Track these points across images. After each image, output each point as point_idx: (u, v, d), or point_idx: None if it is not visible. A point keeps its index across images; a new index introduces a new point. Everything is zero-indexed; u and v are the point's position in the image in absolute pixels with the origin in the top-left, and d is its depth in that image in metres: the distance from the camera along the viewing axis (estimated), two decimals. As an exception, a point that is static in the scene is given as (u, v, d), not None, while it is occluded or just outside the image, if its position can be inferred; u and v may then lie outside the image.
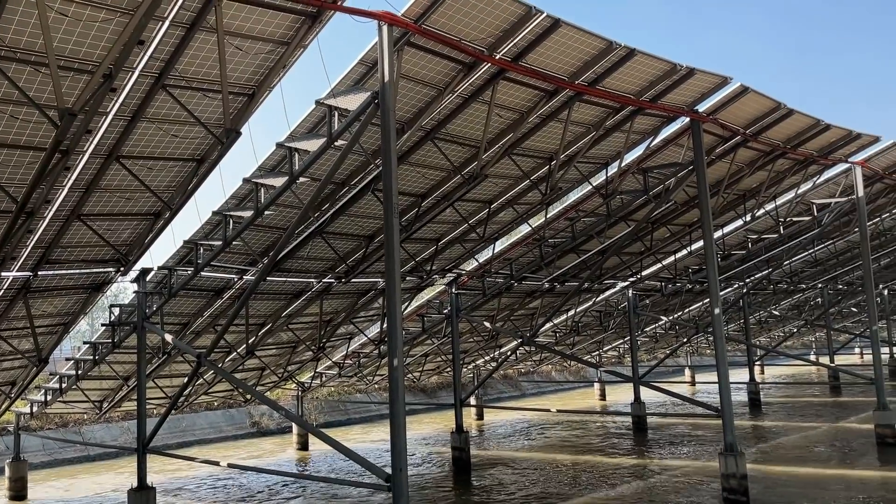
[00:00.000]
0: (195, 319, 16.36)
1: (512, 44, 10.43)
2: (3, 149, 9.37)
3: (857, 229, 21.17)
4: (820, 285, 33.09)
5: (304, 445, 24.06)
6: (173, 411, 23.55)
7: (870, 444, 19.14)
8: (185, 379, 13.99)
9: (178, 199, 11.51)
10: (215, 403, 27.35)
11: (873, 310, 19.59)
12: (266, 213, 12.58)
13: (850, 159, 18.42)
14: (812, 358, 48.83)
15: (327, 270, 15.98)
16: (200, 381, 20.33)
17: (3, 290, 12.90)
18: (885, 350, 42.64)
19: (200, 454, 22.85)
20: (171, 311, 15.49)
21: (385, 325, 20.20)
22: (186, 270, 13.87)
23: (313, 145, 10.57)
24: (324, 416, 29.73)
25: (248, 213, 12.03)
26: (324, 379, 24.91)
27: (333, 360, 22.98)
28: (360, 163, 12.51)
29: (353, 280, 16.36)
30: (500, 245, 18.82)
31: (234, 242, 12.74)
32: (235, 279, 15.06)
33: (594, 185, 15.77)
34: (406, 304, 19.84)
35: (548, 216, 16.92)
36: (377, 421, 30.66)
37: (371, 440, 25.52)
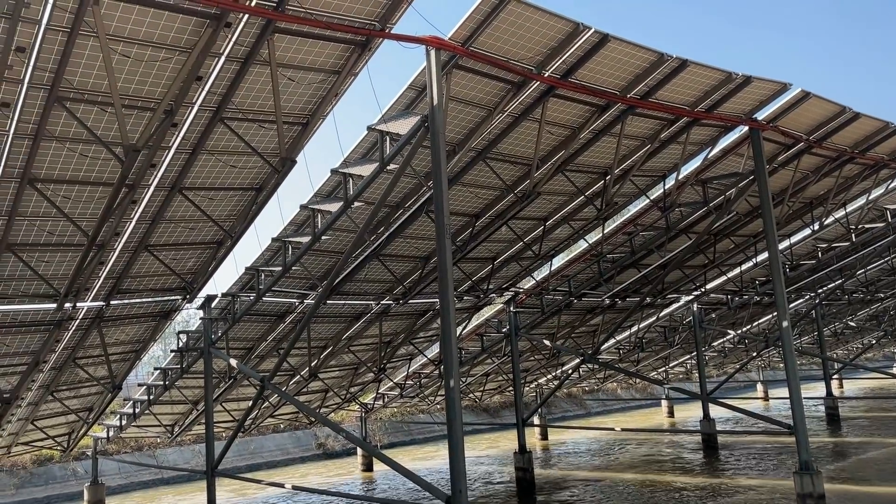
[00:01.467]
0: (259, 344, 16.74)
1: (561, 61, 10.42)
2: (73, 185, 9.85)
3: (935, 234, 20.22)
4: (899, 294, 31.59)
5: (368, 467, 24.20)
6: (241, 434, 24.09)
7: (959, 462, 18.07)
8: (251, 402, 14.31)
9: (238, 228, 11.85)
10: (282, 426, 27.81)
11: (957, 319, 18.55)
12: (323, 237, 12.86)
13: (924, 161, 17.62)
14: (894, 370, 46.57)
15: (385, 292, 16.14)
16: (266, 404, 20.74)
17: (78, 320, 13.50)
18: (975, 361, 40.36)
19: (268, 476, 23.24)
20: (236, 336, 15.90)
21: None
22: (249, 296, 14.24)
23: (366, 170, 10.75)
24: (387, 437, 29.86)
25: (306, 239, 12.30)
26: (386, 400, 25.06)
27: (395, 381, 23.11)
28: (414, 185, 12.65)
29: (411, 301, 16.48)
30: (558, 262, 18.70)
31: (293, 268, 13.04)
32: (296, 303, 15.36)
33: (651, 198, 15.51)
34: (463, 323, 19.86)
35: (605, 231, 16.71)
36: (440, 441, 30.61)
37: (434, 461, 25.48)
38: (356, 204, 11.95)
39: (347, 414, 29.46)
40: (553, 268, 18.50)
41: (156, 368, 17.79)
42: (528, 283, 19.46)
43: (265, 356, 17.37)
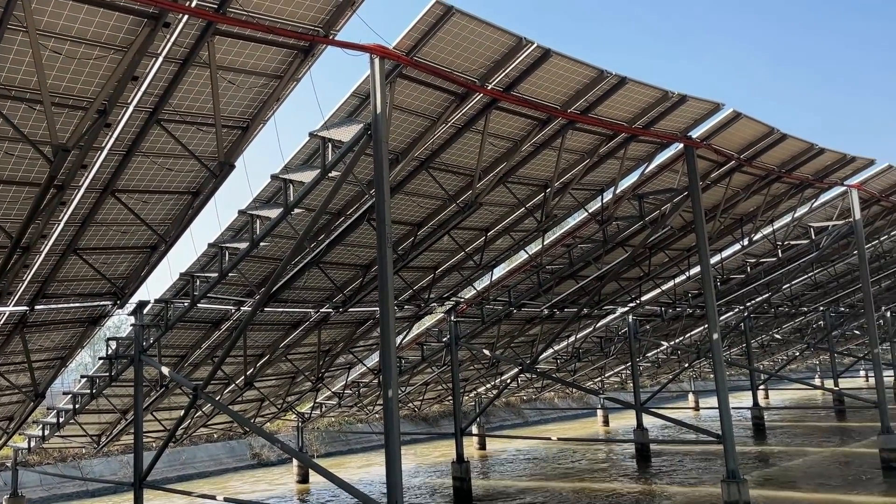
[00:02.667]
0: (193, 351, 16.33)
1: (504, 74, 10.53)
2: (-2, 185, 9.44)
3: (855, 252, 21.19)
4: (821, 308, 32.97)
5: (304, 478, 23.83)
6: (172, 444, 23.41)
7: (875, 469, 18.93)
8: (183, 412, 13.92)
9: (173, 232, 11.56)
10: (215, 436, 27.15)
11: (874, 332, 19.50)
12: (262, 244, 12.64)
13: (845, 182, 18.48)
14: (816, 381, 48.55)
15: (325, 300, 15.97)
16: (199, 413, 20.22)
17: (-1, 325, 12.91)
18: (890, 373, 42.38)
19: (200, 487, 22.63)
20: (169, 343, 15.47)
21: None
22: (183, 303, 13.88)
23: (308, 177, 10.64)
24: (325, 447, 29.49)
25: (243, 245, 12.08)
26: (324, 409, 24.75)
27: (333, 390, 22.86)
28: (356, 193, 12.57)
29: (351, 310, 16.34)
30: (499, 272, 18.86)
31: (230, 274, 12.77)
32: (233, 311, 15.06)
33: (590, 211, 15.81)
34: (404, 332, 19.81)
35: (545, 243, 16.94)
36: (379, 451, 30.38)
37: (372, 471, 25.27)
38: (296, 210, 11.81)
39: (284, 423, 28.96)
40: (494, 278, 18.63)
41: (83, 376, 17.14)
42: (468, 293, 19.57)
43: (199, 364, 16.94)
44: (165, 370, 13.58)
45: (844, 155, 16.76)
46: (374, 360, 21.31)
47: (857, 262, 22.79)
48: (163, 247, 11.93)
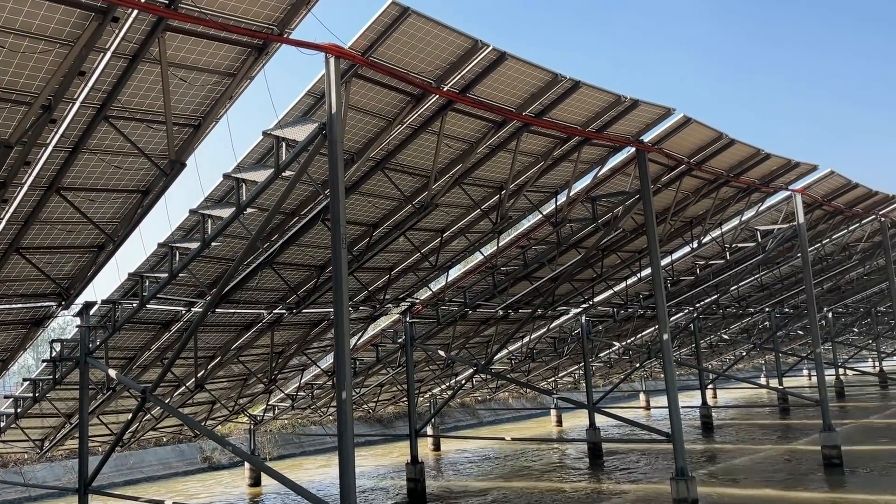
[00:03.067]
0: (142, 353, 15.96)
1: (459, 76, 10.58)
2: (-65, 181, 9.09)
3: (799, 254, 21.83)
4: (767, 309, 33.90)
5: (256, 481, 23.49)
6: (119, 448, 22.87)
7: (817, 465, 19.53)
8: (131, 415, 13.59)
9: (122, 232, 11.29)
10: (164, 439, 26.60)
11: (816, 333, 20.13)
12: (214, 244, 12.45)
13: (790, 187, 19.05)
14: (762, 380, 49.90)
15: (278, 301, 15.79)
16: (148, 416, 19.78)
17: (-64, 327, 12.43)
18: (831, 372, 43.82)
19: (148, 492, 22.15)
20: (116, 345, 15.10)
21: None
22: (132, 303, 13.57)
23: (261, 176, 10.52)
24: (278, 450, 29.14)
25: (195, 245, 11.86)
26: (276, 412, 24.46)
27: (286, 392, 22.60)
28: (310, 193, 12.47)
29: (305, 311, 16.20)
30: (455, 273, 18.91)
31: (181, 274, 12.53)
32: (183, 312, 14.78)
33: (544, 213, 15.97)
34: (359, 334, 19.72)
35: (500, 244, 17.05)
36: (332, 453, 30.14)
37: (326, 473, 25.06)
38: (249, 210, 11.65)
39: (236, 426, 28.52)
40: (449, 279, 18.68)
41: (25, 379, 16.61)
42: (424, 294, 19.56)
43: (148, 366, 16.58)
44: (113, 373, 13.26)
45: (789, 160, 17.27)
46: (328, 361, 21.15)
47: (800, 265, 23.49)
48: (110, 246, 11.65)
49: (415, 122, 11.54)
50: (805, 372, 58.13)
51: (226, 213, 11.25)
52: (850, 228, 24.76)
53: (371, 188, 12.95)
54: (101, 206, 10.90)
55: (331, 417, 29.63)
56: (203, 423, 22.26)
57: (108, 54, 8.23)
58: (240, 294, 14.80)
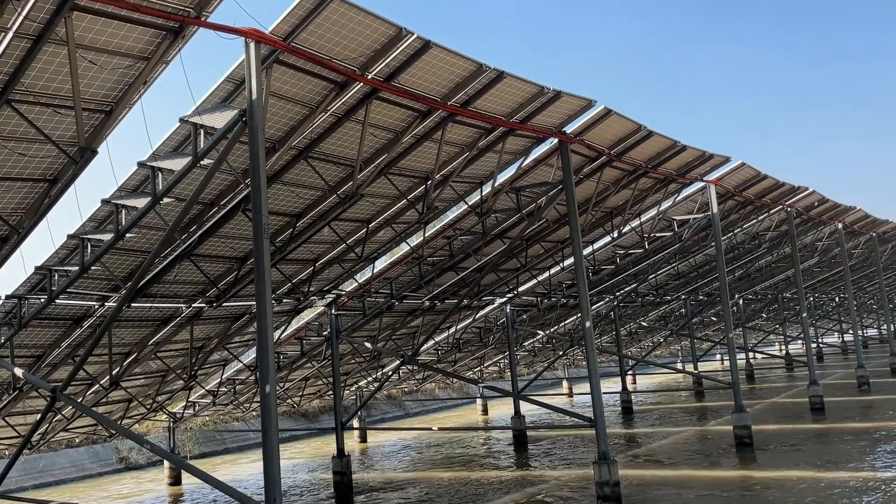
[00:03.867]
0: (51, 351, 15.19)
1: (384, 64, 10.46)
2: None
3: (713, 243, 22.71)
4: (683, 297, 35.17)
5: (176, 480, 22.82)
6: (28, 451, 21.75)
7: (729, 445, 20.42)
8: (40, 416, 12.92)
9: (27, 223, 10.68)
10: (77, 440, 25.47)
11: (729, 319, 21.01)
12: (129, 236, 11.95)
13: (705, 178, 19.76)
14: (679, 365, 51.80)
15: (197, 295, 15.32)
16: (59, 417, 18.87)
17: None
18: (742, 356, 45.90)
19: (62, 495, 21.19)
20: (23, 342, 14.32)
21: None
22: (39, 298, 12.88)
23: (178, 164, 10.14)
24: (199, 448, 28.35)
25: (108, 237, 11.35)
26: (197, 408, 23.78)
27: (207, 388, 21.99)
28: (230, 182, 12.11)
29: (226, 304, 15.77)
30: (381, 264, 18.79)
31: (93, 267, 11.98)
32: (96, 306, 14.14)
33: (469, 204, 16.04)
34: (283, 327, 19.37)
35: (426, 235, 17.04)
36: (256, 449, 29.55)
37: (250, 470, 24.57)
38: (166, 200, 11.22)
39: (154, 425, 27.58)
40: (375, 270, 18.55)
41: (-79, 381, 15.56)
42: (350, 286, 19.37)
43: (58, 364, 15.79)
44: (19, 371, 12.55)
45: (703, 152, 17.90)
46: (250, 356, 20.67)
47: (714, 253, 24.46)
48: (14, 238, 10.99)
49: (339, 111, 11.36)
50: (718, 356, 60.65)
51: (141, 202, 10.81)
52: (760, 218, 25.91)
53: (294, 177, 12.69)
54: (4, 196, 10.28)
55: (254, 413, 29.08)
56: (119, 422, 21.44)
57: (10, 34, 7.74)
58: (157, 287, 14.28)
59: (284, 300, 17.39)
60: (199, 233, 12.60)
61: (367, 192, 13.66)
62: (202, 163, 10.07)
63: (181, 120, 9.98)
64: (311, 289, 16.94)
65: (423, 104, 11.71)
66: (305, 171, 12.58)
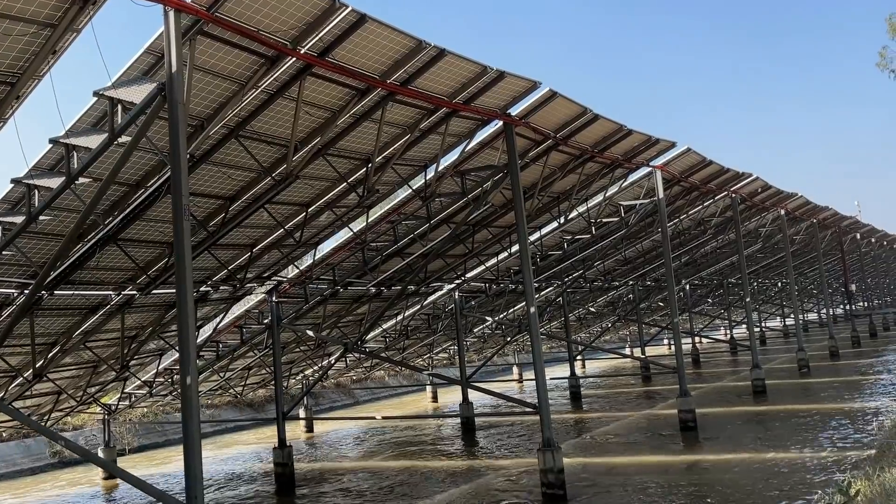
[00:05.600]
0: (-33, 342, 14.30)
1: (317, 38, 9.94)
2: None
3: (659, 229, 22.75)
4: (631, 282, 35.43)
5: (111, 474, 21.96)
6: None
7: (674, 429, 20.55)
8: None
9: (-72, 204, 9.89)
10: (4, 434, 24.34)
11: (674, 304, 21.11)
12: (46, 219, 11.22)
13: (651, 163, 19.70)
14: (627, 350, 52.42)
15: (127, 282, 14.60)
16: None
17: None
18: (689, 340, 46.65)
19: (-14, 494, 20.20)
20: (-65, 333, 13.41)
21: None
22: (-51, 286, 12.05)
23: (94, 142, 9.48)
24: (139, 440, 27.41)
25: (21, 219, 10.61)
26: (133, 400, 22.92)
27: (143, 379, 21.17)
28: (157, 162, 11.45)
29: (158, 291, 15.09)
30: (325, 250, 18.26)
31: (5, 253, 11.21)
32: (15, 294, 13.31)
33: (413, 188, 15.63)
34: (221, 315, 18.72)
35: (369, 220, 16.57)
36: (202, 440, 28.81)
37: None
38: (85, 181, 10.53)
39: (91, 417, 26.57)
40: (317, 256, 18.00)
41: None
42: (292, 273, 18.79)
43: (-24, 356, 14.91)
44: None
45: (649, 137, 17.80)
46: (188, 344, 19.89)
47: (661, 239, 24.55)
48: (-84, 221, 10.19)
49: (271, 87, 10.80)
50: (665, 341, 61.65)
51: (56, 183, 10.10)
52: (706, 204, 26.13)
53: (226, 158, 12.09)
54: None
55: (196, 403, 28.25)
56: (48, 416, 20.52)
57: None
58: (83, 274, 13.52)
59: (222, 287, 16.74)
60: (121, 216, 11.89)
61: (304, 175, 13.13)
62: (120, 140, 9.42)
63: (96, 94, 9.28)
64: (249, 275, 16.32)
65: (361, 82, 11.23)
66: (237, 152, 11.99)
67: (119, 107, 9.16)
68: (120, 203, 11.96)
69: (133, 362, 19.11)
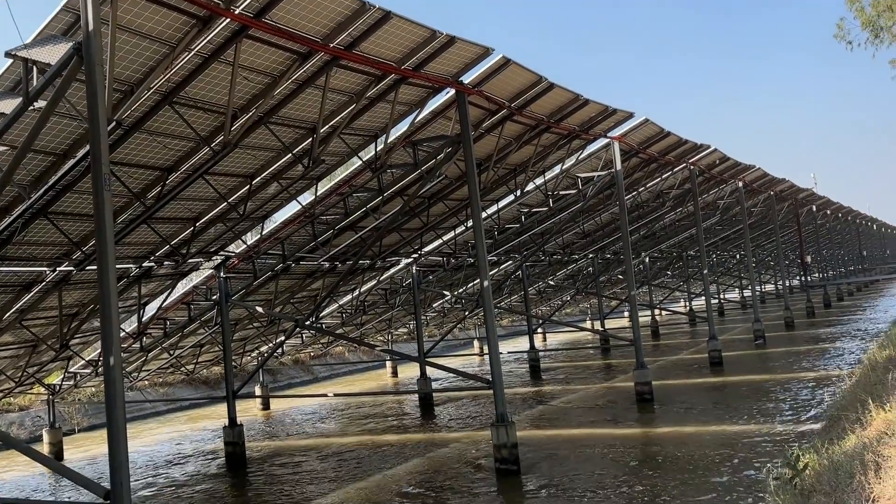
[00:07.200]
0: None
1: (252, -3, 9.36)
2: None
3: (618, 202, 22.59)
4: (590, 255, 35.42)
5: (58, 455, 21.35)
6: None
7: (631, 402, 20.57)
8: None
9: None
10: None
11: (631, 277, 21.03)
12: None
13: (608, 134, 19.42)
14: (588, 323, 52.78)
15: (62, 257, 13.89)
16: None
17: None
18: (648, 313, 47.06)
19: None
20: None
21: (145, 316, 18.28)
22: None
23: (7, 106, 8.81)
24: (88, 420, 26.71)
25: (-66, 191, 9.90)
26: (78, 379, 22.18)
27: (87, 358, 20.46)
28: (85, 130, 10.77)
29: (94, 267, 14.38)
30: (276, 223, 17.69)
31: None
32: (-62, 271, 12.57)
33: (364, 159, 15.12)
34: (167, 291, 18.08)
35: (318, 192, 16.04)
36: (155, 418, 28.29)
37: (141, 443, 23.27)
38: (2, 149, 9.84)
39: (37, 398, 25.75)
40: (267, 230, 17.44)
41: None
42: (242, 248, 18.19)
43: None
44: None
45: (606, 107, 17.49)
46: (134, 323, 19.25)
47: (619, 212, 24.40)
48: None
49: (205, 50, 10.17)
50: (626, 314, 62.26)
51: (-30, 151, 9.41)
52: (664, 176, 26.04)
53: (161, 126, 11.45)
54: None
55: (145, 382, 27.62)
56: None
57: None
58: (11, 249, 12.80)
59: (166, 262, 16.11)
60: (45, 188, 11.21)
61: (245, 144, 12.58)
62: (38, 105, 8.76)
63: (8, 54, 8.59)
64: (192, 250, 15.70)
65: (302, 45, 10.65)
66: (173, 120, 11.35)
67: (34, 68, 8.49)
68: (48, 174, 11.27)
69: (76, 341, 18.42)
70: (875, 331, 31.47)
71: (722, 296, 57.59)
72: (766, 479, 7.93)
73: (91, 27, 7.71)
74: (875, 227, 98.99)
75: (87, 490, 7.93)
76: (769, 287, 65.68)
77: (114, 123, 10.02)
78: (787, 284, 47.36)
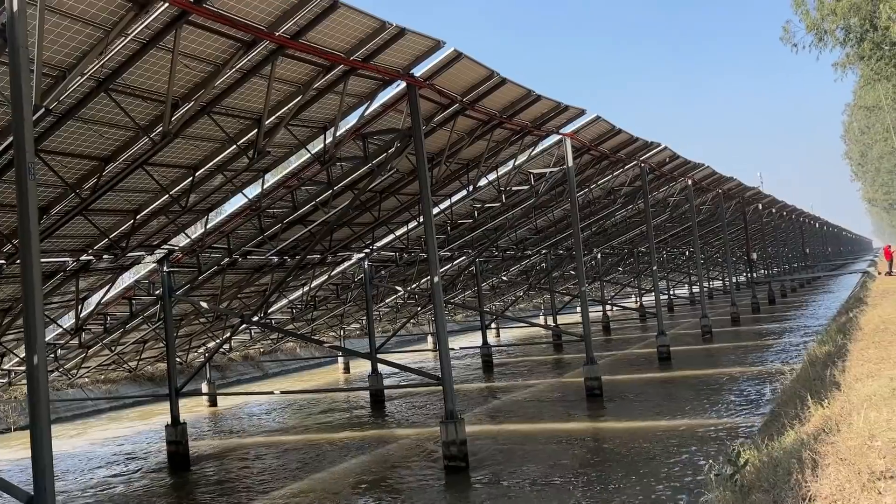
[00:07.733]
0: None
1: (192, -19, 9.00)
2: None
3: (570, 198, 22.66)
4: (543, 251, 35.59)
5: (-9, 456, 20.49)
6: None
7: (580, 397, 20.69)
8: None
9: None
10: None
11: (582, 273, 21.15)
12: None
13: (560, 131, 19.45)
14: (541, 319, 53.11)
15: (-9, 250, 13.27)
16: None
17: None
18: (599, 308, 47.57)
19: None
20: None
21: (82, 311, 17.64)
22: None
23: (-75, 90, 8.30)
24: (25, 418, 25.73)
25: None
26: (13, 377, 21.32)
27: (22, 355, 19.65)
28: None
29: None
30: (220, 217, 17.23)
31: None
32: None
33: (313, 152, 14.80)
34: (107, 286, 17.48)
35: (265, 185, 15.66)
36: (97, 416, 27.42)
37: (81, 441, 22.54)
38: (-78, 135, 9.30)
39: (-30, 396, 24.74)
40: (211, 224, 16.98)
41: None
42: (185, 241, 17.67)
43: None
44: None
45: (559, 104, 17.48)
46: (70, 319, 18.54)
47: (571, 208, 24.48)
48: None
49: (143, 36, 9.75)
50: (578, 309, 62.93)
51: None
52: (616, 173, 26.25)
53: (97, 115, 10.97)
54: None
55: (86, 380, 26.77)
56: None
57: None
58: (-64, 242, 12.18)
59: (105, 256, 15.54)
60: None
61: (187, 135, 12.17)
62: (-41, 89, 8.29)
63: (-75, 34, 8.10)
64: (132, 243, 15.17)
65: (246, 33, 10.30)
66: (110, 108, 10.88)
67: (-46, 50, 8.02)
68: (-27, 162, 10.71)
69: (9, 337, 17.67)
70: (817, 326, 32.31)
71: (672, 292, 58.61)
72: (708, 474, 7.95)
73: (16, 7, 7.31)
74: (818, 225, 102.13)
75: (9, 495, 7.52)
76: (717, 283, 67.11)
77: (42, 110, 9.54)
78: (734, 281, 48.42)
